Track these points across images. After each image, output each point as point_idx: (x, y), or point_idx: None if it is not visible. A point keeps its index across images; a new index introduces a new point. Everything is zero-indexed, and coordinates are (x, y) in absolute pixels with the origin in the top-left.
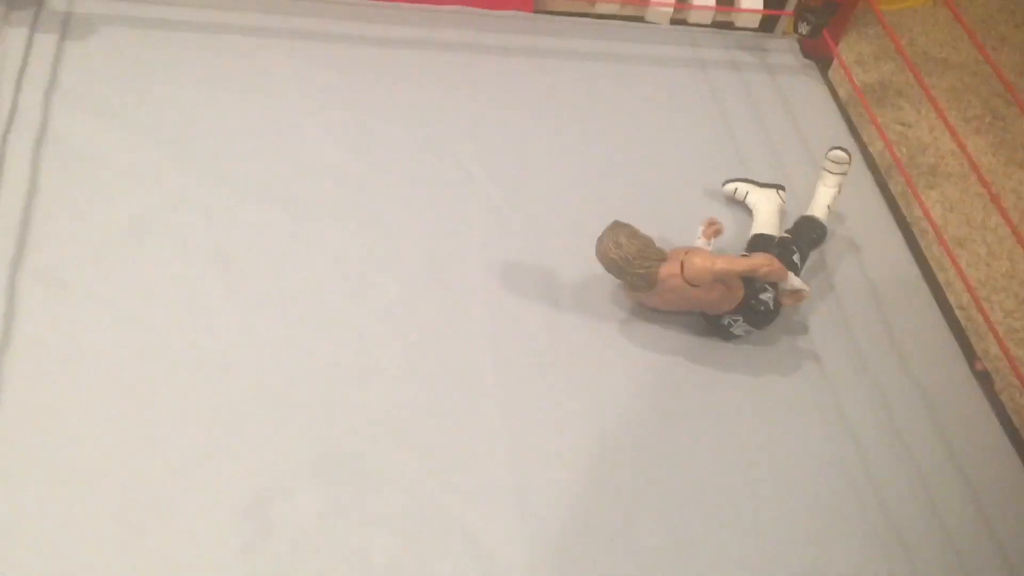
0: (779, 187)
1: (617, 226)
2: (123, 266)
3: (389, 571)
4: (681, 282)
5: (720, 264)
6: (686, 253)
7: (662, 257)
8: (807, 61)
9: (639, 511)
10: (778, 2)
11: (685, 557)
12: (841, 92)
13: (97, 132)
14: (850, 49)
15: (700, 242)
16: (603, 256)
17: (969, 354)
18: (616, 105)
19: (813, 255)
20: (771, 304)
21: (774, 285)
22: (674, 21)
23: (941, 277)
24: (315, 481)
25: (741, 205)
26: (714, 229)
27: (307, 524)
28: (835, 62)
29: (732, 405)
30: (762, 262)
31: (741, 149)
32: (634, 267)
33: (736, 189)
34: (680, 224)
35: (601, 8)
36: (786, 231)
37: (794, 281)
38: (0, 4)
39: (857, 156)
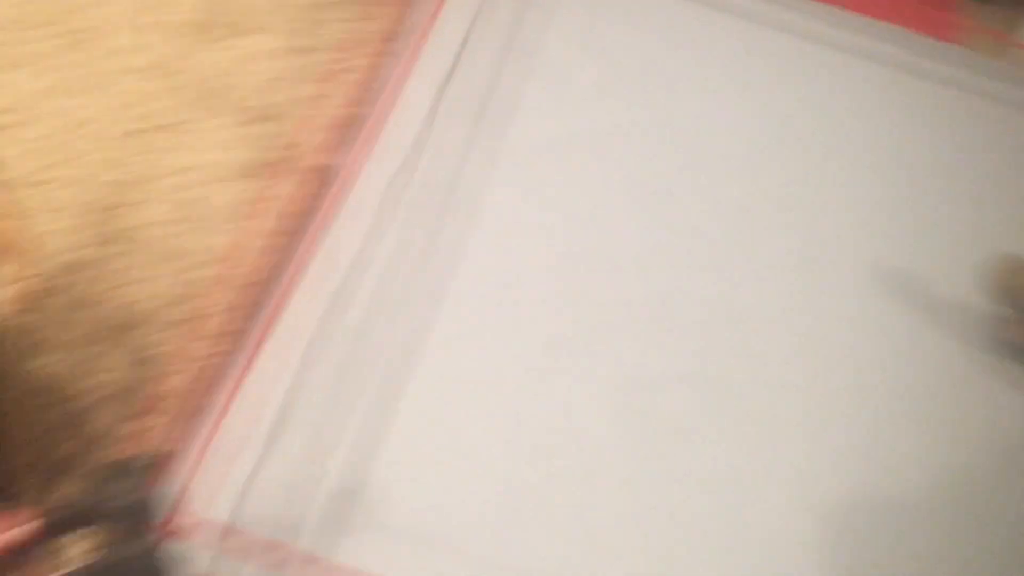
0: None
1: (1018, 257)
2: (558, 169)
3: (724, 482)
4: None
5: None
6: None
7: None
8: None
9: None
10: None
11: None
12: None
13: (567, 55)
14: None
15: None
16: (998, 282)
17: None
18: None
19: None
20: None
21: None
22: None
23: None
24: (680, 388)
25: None
26: None
27: (669, 421)
28: None
29: None
30: None
31: None
32: None
33: None
34: None
35: None
36: None
37: None
38: None
39: None
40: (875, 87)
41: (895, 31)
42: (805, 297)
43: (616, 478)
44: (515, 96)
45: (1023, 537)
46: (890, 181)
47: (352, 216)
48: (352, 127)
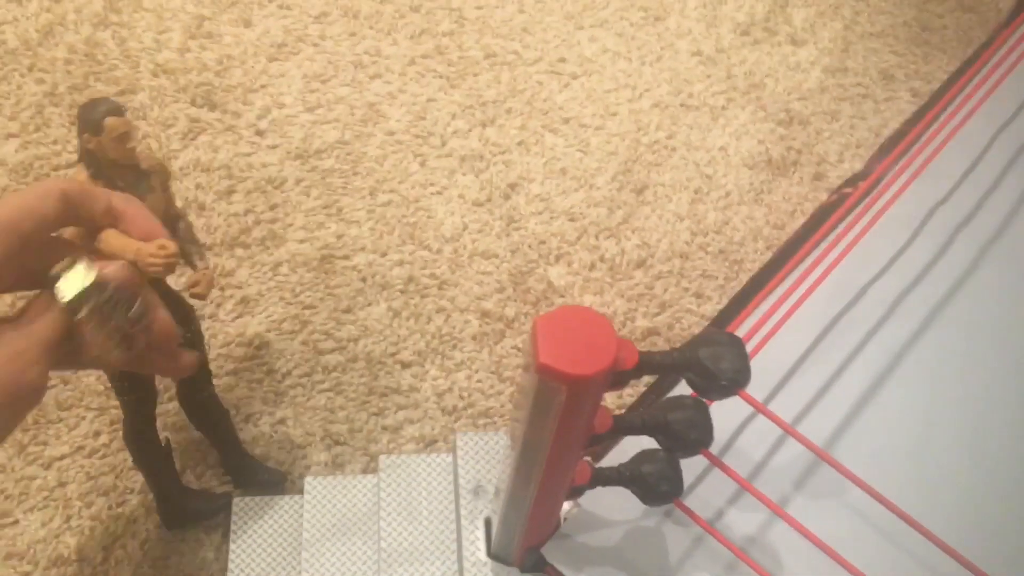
0: None
1: None
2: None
3: None
4: None
5: None
6: None
7: None
8: None
9: None
10: None
11: None
12: None
13: None
14: None
15: None
16: None
17: None
18: None
19: None
20: None
21: None
22: None
23: None
24: None
25: None
26: None
27: None
28: None
29: None
30: None
31: None
32: None
33: None
34: None
35: None
36: None
37: None
38: None
39: None
40: None
41: None
42: None
43: None
44: None
45: None
46: None
47: (881, 234)
48: (893, 144)
